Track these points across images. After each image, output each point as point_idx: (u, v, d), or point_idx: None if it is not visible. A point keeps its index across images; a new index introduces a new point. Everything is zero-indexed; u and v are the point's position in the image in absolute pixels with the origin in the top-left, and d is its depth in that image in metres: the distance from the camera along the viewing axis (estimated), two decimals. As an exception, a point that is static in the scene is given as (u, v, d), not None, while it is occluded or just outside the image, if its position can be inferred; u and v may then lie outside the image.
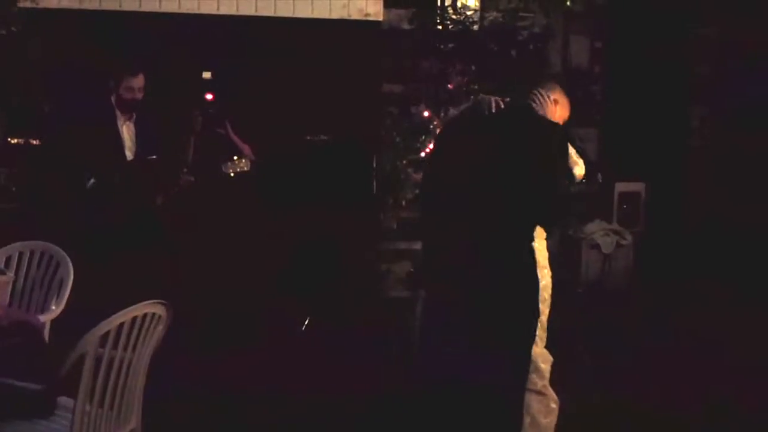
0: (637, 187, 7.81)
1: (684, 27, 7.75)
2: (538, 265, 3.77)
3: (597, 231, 7.43)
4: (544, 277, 3.90)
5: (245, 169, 5.66)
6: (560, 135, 3.74)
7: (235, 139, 5.99)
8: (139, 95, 5.58)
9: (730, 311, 6.46)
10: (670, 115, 7.89)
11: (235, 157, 5.67)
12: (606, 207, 7.65)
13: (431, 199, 3.82)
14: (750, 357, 5.66)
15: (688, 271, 7.21)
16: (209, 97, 6.45)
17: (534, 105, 3.85)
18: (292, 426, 4.55)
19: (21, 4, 5.81)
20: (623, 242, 7.47)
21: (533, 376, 3.84)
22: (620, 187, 7.73)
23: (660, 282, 7.22)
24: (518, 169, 3.53)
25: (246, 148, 5.96)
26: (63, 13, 6.51)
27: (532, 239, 3.59)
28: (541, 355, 3.87)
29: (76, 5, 6.54)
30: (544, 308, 3.87)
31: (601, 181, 7.12)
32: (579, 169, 3.91)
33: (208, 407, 4.65)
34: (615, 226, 7.57)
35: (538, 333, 3.79)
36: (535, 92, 3.89)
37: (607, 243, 7.38)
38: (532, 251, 3.58)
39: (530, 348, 3.66)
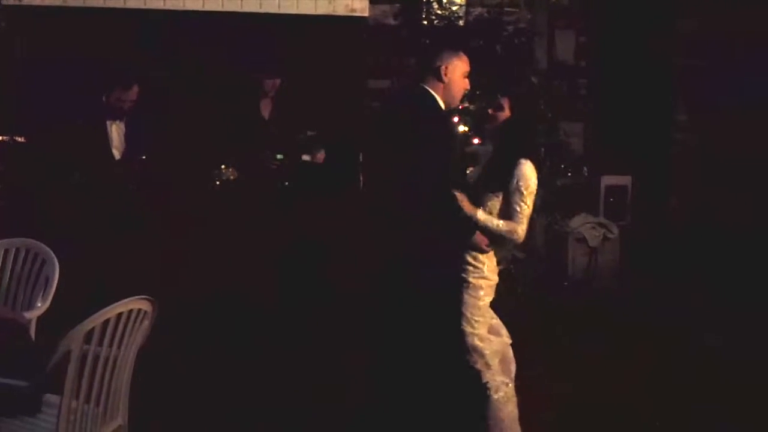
0: (623, 180, 7.82)
1: (669, 20, 7.77)
2: (475, 257, 4.01)
3: (583, 224, 7.44)
4: (483, 267, 4.08)
5: (231, 177, 5.75)
6: (437, 117, 3.90)
7: None
8: (130, 105, 5.55)
9: (715, 305, 6.49)
10: (656, 109, 7.91)
11: (222, 166, 5.74)
12: (592, 200, 7.67)
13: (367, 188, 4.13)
14: (735, 351, 5.70)
15: (675, 264, 7.24)
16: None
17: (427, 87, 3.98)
18: (279, 421, 4.56)
19: (5, 2, 5.79)
20: (610, 236, 7.48)
21: (473, 356, 4.01)
22: (607, 180, 7.75)
23: (646, 275, 7.25)
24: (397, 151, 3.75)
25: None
26: (48, 10, 6.50)
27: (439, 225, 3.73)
28: (477, 336, 4.03)
29: (60, 2, 6.52)
30: (484, 295, 4.04)
31: (587, 174, 7.15)
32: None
33: (194, 403, 4.66)
34: (601, 219, 7.59)
35: (474, 316, 3.99)
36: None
37: (593, 236, 7.39)
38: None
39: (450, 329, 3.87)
